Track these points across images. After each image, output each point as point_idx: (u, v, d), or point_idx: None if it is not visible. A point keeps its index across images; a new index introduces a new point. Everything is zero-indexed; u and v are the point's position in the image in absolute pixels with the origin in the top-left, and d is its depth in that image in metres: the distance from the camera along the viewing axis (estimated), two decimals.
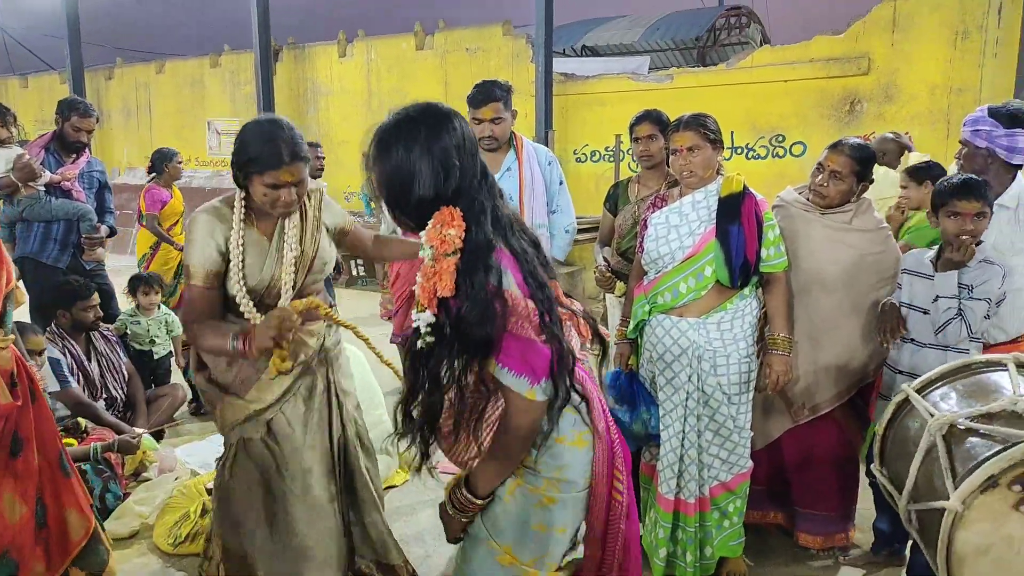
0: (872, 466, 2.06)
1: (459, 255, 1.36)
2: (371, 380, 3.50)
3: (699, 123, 2.51)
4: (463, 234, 1.36)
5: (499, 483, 1.52)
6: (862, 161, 2.59)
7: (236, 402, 2.05)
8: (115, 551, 2.72)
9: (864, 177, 2.62)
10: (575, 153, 9.17)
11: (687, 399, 2.53)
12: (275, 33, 11.04)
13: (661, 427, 2.60)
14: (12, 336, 2.05)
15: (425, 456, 1.51)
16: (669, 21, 13.74)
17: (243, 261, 1.98)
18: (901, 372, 2.48)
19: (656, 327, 2.60)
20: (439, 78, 10.22)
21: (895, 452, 1.97)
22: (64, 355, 3.55)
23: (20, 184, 3.73)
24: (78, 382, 3.56)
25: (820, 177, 2.64)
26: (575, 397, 1.50)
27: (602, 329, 1.67)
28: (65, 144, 4.07)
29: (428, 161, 1.38)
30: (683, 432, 2.55)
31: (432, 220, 1.38)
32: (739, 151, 7.96)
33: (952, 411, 1.79)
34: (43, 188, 3.87)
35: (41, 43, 14.60)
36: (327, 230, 2.20)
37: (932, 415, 1.80)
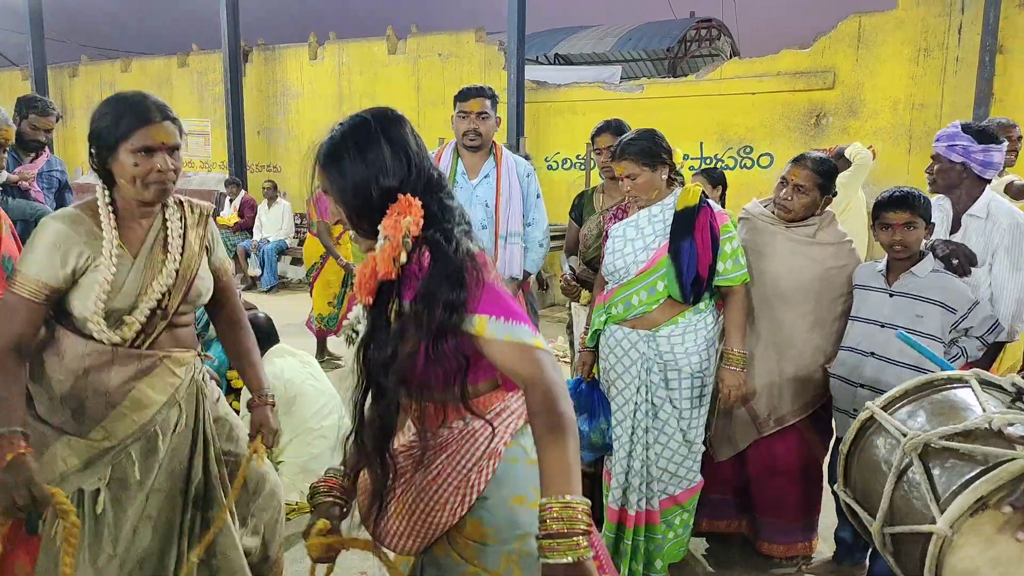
0: (835, 486, 2.02)
1: (411, 239, 1.26)
2: (326, 386, 3.44)
3: (634, 150, 2.51)
4: (420, 221, 1.27)
5: (579, 465, 1.18)
6: (824, 174, 2.64)
7: (77, 443, 1.70)
8: None
9: (827, 190, 2.66)
10: (547, 160, 9.19)
11: (635, 411, 2.54)
12: (245, 34, 10.90)
13: (612, 437, 2.61)
14: None
15: (383, 467, 1.33)
16: (641, 32, 13.88)
17: (102, 280, 1.67)
18: (862, 386, 2.52)
19: (609, 337, 2.63)
20: (411, 83, 10.18)
21: (862, 472, 1.92)
22: None
23: None
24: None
25: (784, 191, 2.68)
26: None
27: None
28: (23, 143, 3.96)
29: (383, 152, 1.31)
30: (631, 443, 2.56)
31: (389, 210, 1.29)
32: (708, 161, 8.04)
33: (924, 429, 1.71)
34: (0, 188, 3.76)
35: (2, 38, 14.22)
36: (208, 258, 1.92)
37: (905, 434, 1.75)
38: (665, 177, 2.56)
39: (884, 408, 1.89)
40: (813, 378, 2.69)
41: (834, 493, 2.62)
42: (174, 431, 1.82)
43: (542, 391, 1.19)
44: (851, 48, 7.39)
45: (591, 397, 2.70)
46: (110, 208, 1.72)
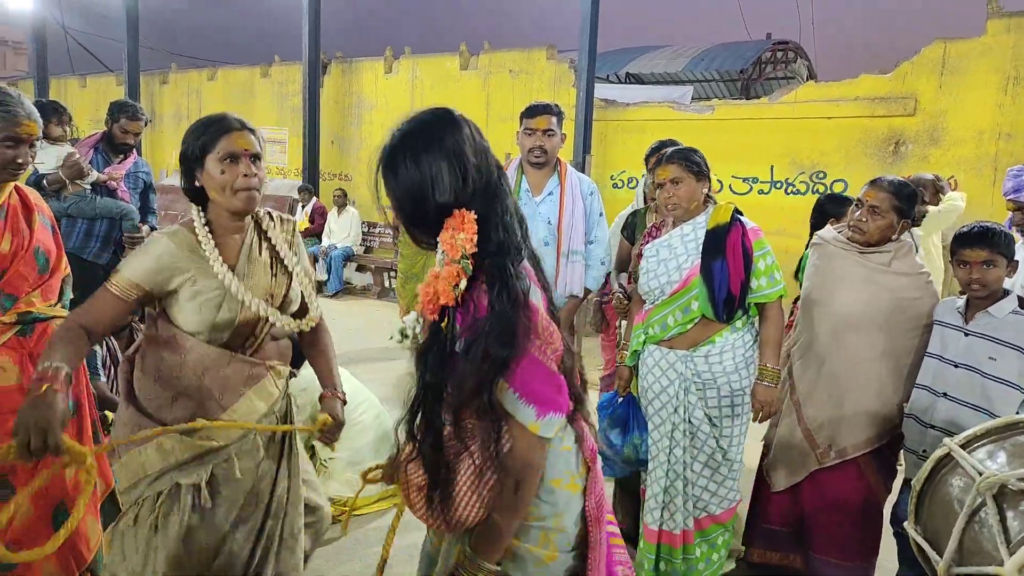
0: (906, 523, 1.96)
1: (471, 261, 1.26)
2: (356, 384, 3.52)
3: (682, 156, 2.55)
4: (474, 238, 1.27)
5: (507, 542, 1.35)
6: (902, 197, 2.55)
7: (183, 441, 1.79)
8: None
9: (905, 215, 2.57)
10: (612, 179, 9.16)
11: (673, 430, 2.54)
12: (324, 46, 11.27)
13: (649, 456, 2.61)
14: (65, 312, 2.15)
15: (437, 470, 1.36)
16: (715, 53, 13.74)
17: (209, 291, 1.78)
18: (933, 427, 2.41)
19: (647, 357, 2.63)
20: (481, 99, 10.32)
21: (934, 510, 1.87)
22: (100, 348, 3.62)
23: (68, 181, 3.85)
24: (107, 378, 3.63)
25: (858, 213, 2.60)
26: (573, 432, 1.42)
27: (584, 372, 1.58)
28: (113, 145, 4.19)
29: (439, 163, 1.30)
30: (669, 463, 2.55)
31: (445, 224, 1.30)
32: (778, 186, 7.87)
33: (1002, 471, 1.68)
34: (89, 186, 3.98)
35: (101, 45, 15.11)
36: (296, 263, 2.00)
37: (981, 473, 1.71)
38: (704, 193, 2.58)
39: (963, 446, 1.83)
40: (880, 413, 2.59)
41: (895, 535, 2.53)
42: (271, 439, 1.94)
43: (517, 468, 1.31)
44: (934, 74, 7.13)
45: (626, 412, 2.71)
46: (207, 228, 1.83)
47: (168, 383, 1.83)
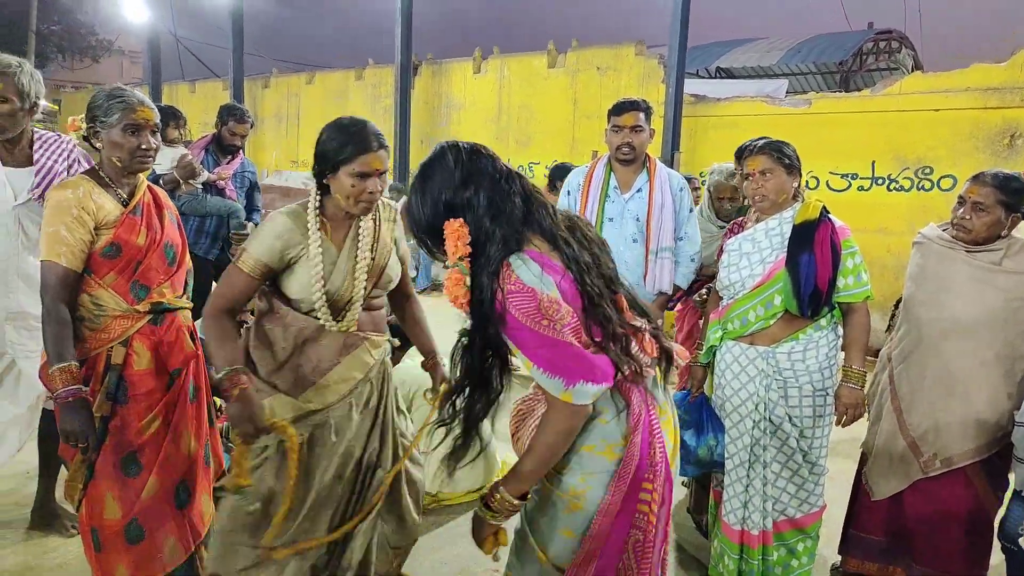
0: (1022, 540, 1.85)
1: (466, 263, 1.44)
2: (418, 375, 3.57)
3: (773, 147, 2.49)
4: (461, 242, 1.44)
5: (529, 486, 1.54)
6: (1009, 191, 2.40)
7: (289, 401, 1.97)
8: None
9: (1014, 209, 2.43)
10: (701, 175, 8.98)
11: (753, 428, 2.48)
12: (416, 48, 11.53)
13: (726, 455, 2.56)
14: (190, 303, 2.36)
15: (456, 453, 1.57)
16: (812, 44, 13.21)
17: (320, 270, 1.96)
18: None
19: (725, 353, 2.58)
20: (568, 96, 10.31)
21: None
22: None
23: (181, 180, 4.11)
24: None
25: (962, 210, 2.48)
26: (615, 406, 1.52)
27: (668, 343, 1.66)
28: (222, 146, 4.45)
29: (421, 188, 1.52)
30: (749, 462, 2.50)
31: (444, 237, 1.48)
32: (880, 182, 7.51)
33: None
34: (201, 185, 4.24)
35: (209, 52, 15.99)
36: (396, 247, 2.17)
37: None
38: (794, 187, 2.51)
39: None
40: (991, 420, 2.45)
41: (1003, 551, 2.39)
42: (366, 405, 2.07)
43: (549, 431, 1.47)
44: None
45: (699, 412, 2.67)
46: (318, 211, 1.99)
47: (274, 352, 1.99)
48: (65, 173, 2.50)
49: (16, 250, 2.46)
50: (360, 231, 2.05)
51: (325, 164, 1.95)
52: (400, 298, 2.34)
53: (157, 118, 2.17)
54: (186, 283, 2.34)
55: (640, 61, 9.68)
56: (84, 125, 2.13)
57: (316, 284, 1.95)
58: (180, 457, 2.21)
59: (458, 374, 1.53)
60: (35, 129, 2.52)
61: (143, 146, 2.13)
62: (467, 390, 1.54)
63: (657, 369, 1.62)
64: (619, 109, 3.16)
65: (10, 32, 28.23)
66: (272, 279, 2.00)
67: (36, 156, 2.47)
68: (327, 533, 2.02)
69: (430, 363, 2.30)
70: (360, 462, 2.09)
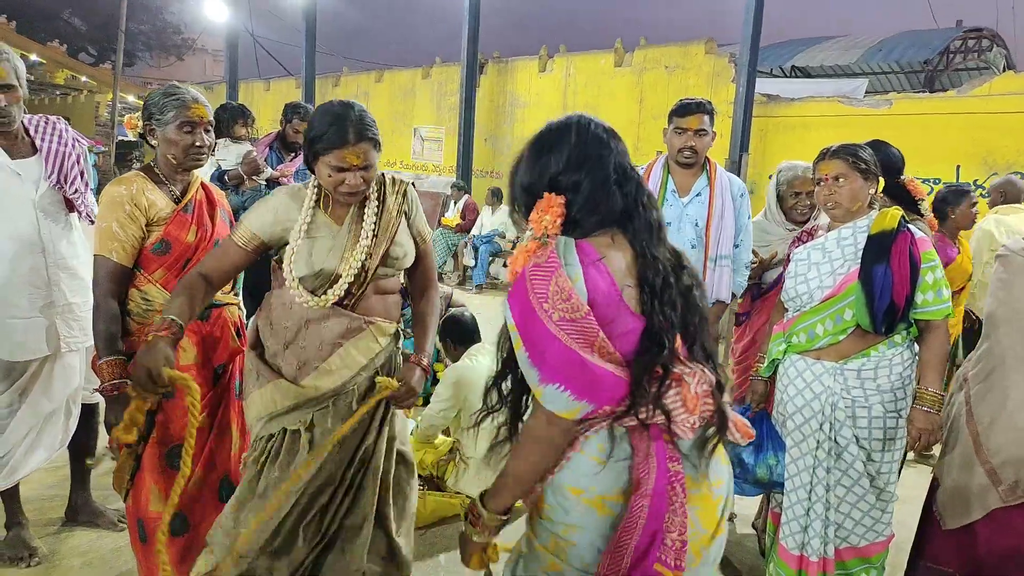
0: None
1: (551, 240, 1.36)
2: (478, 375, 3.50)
3: (849, 152, 2.34)
4: (559, 220, 1.36)
5: (510, 499, 1.41)
6: None
7: (288, 387, 1.90)
8: None
9: None
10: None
11: (816, 448, 2.34)
12: (483, 47, 11.57)
13: (787, 475, 2.43)
14: (238, 298, 2.37)
15: (510, 434, 1.46)
16: (895, 42, 12.62)
17: (309, 246, 1.89)
18: None
19: (789, 368, 2.44)
20: (634, 95, 10.15)
21: None
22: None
23: (246, 176, 4.19)
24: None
25: None
26: (616, 447, 1.32)
27: (737, 419, 1.46)
28: (286, 144, 4.52)
29: (536, 153, 1.46)
30: (811, 484, 2.36)
31: (536, 206, 1.40)
32: None
33: None
34: (264, 182, 4.31)
35: (283, 51, 16.46)
36: (407, 223, 2.06)
37: None
38: (871, 193, 2.36)
39: None
40: None
41: None
42: (366, 396, 1.97)
43: (523, 429, 1.39)
44: None
45: (759, 429, 2.53)
46: (315, 191, 1.94)
47: (279, 333, 1.95)
48: (73, 153, 2.53)
49: (50, 241, 2.46)
50: (365, 209, 1.97)
51: (308, 147, 1.88)
52: (415, 287, 2.21)
53: (210, 115, 2.19)
54: (235, 279, 2.35)
55: (710, 60, 9.44)
56: (140, 123, 2.16)
57: (290, 259, 1.88)
58: (224, 452, 2.23)
59: (503, 356, 1.44)
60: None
61: (197, 143, 2.15)
62: (511, 374, 1.43)
63: (705, 432, 1.39)
64: (683, 110, 3.03)
65: (103, 31, 29.82)
66: (277, 255, 1.97)
67: (38, 143, 2.48)
68: (303, 547, 1.91)
69: (412, 360, 2.07)
70: (356, 453, 1.97)
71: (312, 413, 1.92)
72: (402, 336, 2.12)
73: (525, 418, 1.43)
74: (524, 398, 1.45)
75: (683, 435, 1.33)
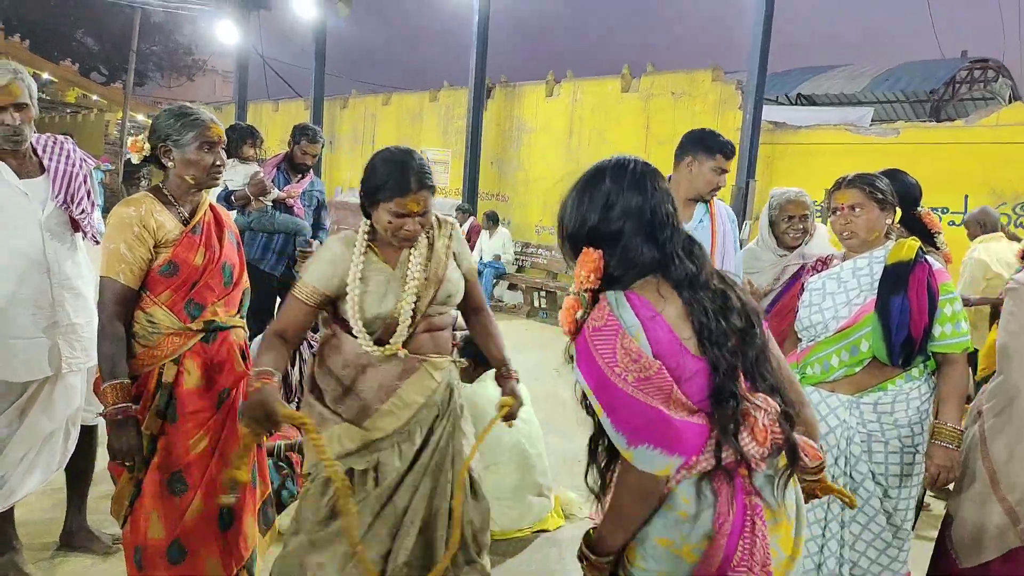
0: None
1: (588, 295, 1.37)
2: (530, 415, 3.46)
3: (865, 181, 2.32)
4: (593, 275, 1.37)
5: (614, 543, 1.41)
6: None
7: (354, 430, 1.98)
8: (278, 546, 2.89)
9: None
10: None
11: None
12: (491, 71, 11.64)
13: None
14: (243, 321, 2.35)
15: (599, 494, 1.47)
16: (901, 72, 12.68)
17: (364, 291, 1.96)
18: None
19: None
20: (641, 121, 10.18)
21: None
22: None
23: (252, 197, 4.19)
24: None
25: None
26: (701, 497, 1.33)
27: (804, 444, 1.45)
28: (293, 165, 4.53)
29: (577, 199, 1.45)
30: (825, 520, 2.31)
31: (578, 260, 1.41)
32: None
33: None
34: (271, 203, 4.31)
35: (292, 73, 16.59)
36: (456, 263, 2.14)
37: None
38: (887, 223, 2.34)
39: None
40: None
41: None
42: (431, 428, 2.05)
43: (618, 488, 1.38)
44: None
45: None
46: (367, 238, 2.01)
47: (338, 379, 2.01)
48: (80, 173, 2.52)
49: (55, 261, 2.45)
50: (413, 251, 2.04)
51: (367, 195, 1.96)
52: (469, 312, 2.31)
53: (224, 135, 2.20)
54: (241, 302, 2.33)
55: (717, 87, 9.48)
56: (146, 145, 2.15)
57: (355, 307, 1.95)
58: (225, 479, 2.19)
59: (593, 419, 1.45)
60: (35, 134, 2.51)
61: (217, 162, 2.17)
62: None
63: (777, 464, 1.41)
64: (729, 153, 3.00)
65: (115, 51, 30.18)
66: (333, 305, 2.01)
67: (46, 163, 2.48)
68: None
69: (502, 375, 2.23)
70: (431, 491, 2.04)
71: (377, 453, 1.99)
72: (457, 364, 2.19)
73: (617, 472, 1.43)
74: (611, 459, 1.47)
75: (755, 467, 1.36)
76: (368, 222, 2.02)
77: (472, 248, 10.14)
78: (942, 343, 2.24)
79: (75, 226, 2.54)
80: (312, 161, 4.55)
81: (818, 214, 8.77)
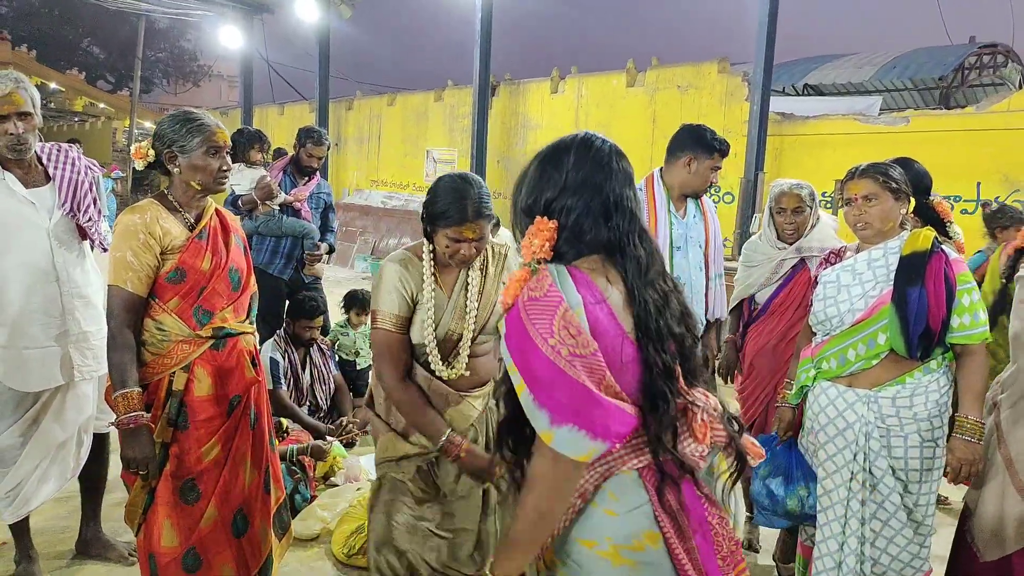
0: None
1: (542, 266, 1.31)
2: None
3: (879, 171, 2.27)
4: (548, 245, 1.31)
5: (522, 562, 1.31)
6: None
7: (398, 441, 2.08)
8: (294, 551, 2.89)
9: None
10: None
11: (851, 480, 2.25)
12: (495, 69, 11.62)
13: (819, 508, 2.33)
14: (252, 327, 2.34)
15: (512, 480, 1.40)
16: (909, 59, 12.57)
17: (424, 315, 2.04)
18: None
19: (820, 395, 2.35)
20: (647, 116, 10.14)
21: None
22: (283, 359, 3.89)
23: (259, 201, 4.18)
24: (288, 387, 3.88)
25: None
26: (629, 496, 1.27)
27: (747, 443, 1.40)
28: (300, 168, 4.52)
29: (539, 170, 1.40)
30: (845, 517, 2.26)
31: (528, 229, 1.36)
32: (986, 207, 7.01)
33: None
34: (278, 207, 4.31)
35: (297, 76, 16.62)
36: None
37: None
38: (902, 213, 2.29)
39: None
40: None
41: None
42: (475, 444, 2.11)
43: (528, 478, 1.28)
44: None
45: (788, 459, 2.45)
46: (432, 261, 2.08)
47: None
48: (86, 181, 2.52)
49: (64, 270, 2.45)
50: (469, 277, 2.11)
51: (429, 219, 2.03)
52: None
53: (229, 140, 2.20)
54: (250, 307, 2.32)
55: (723, 79, 9.43)
56: (150, 151, 2.14)
57: (428, 329, 2.03)
58: (239, 485, 2.19)
59: (507, 401, 1.35)
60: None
61: (223, 167, 2.17)
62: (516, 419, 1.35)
63: (717, 464, 1.37)
64: (726, 151, 3.01)
65: (121, 59, 30.33)
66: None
67: (51, 171, 2.48)
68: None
69: None
70: (485, 502, 2.14)
71: (416, 466, 2.08)
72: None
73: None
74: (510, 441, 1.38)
75: (694, 465, 1.31)
76: (430, 246, 2.08)
77: None
78: (961, 334, 2.20)
79: (83, 234, 2.54)
80: (318, 164, 4.54)
81: (828, 205, 8.75)
